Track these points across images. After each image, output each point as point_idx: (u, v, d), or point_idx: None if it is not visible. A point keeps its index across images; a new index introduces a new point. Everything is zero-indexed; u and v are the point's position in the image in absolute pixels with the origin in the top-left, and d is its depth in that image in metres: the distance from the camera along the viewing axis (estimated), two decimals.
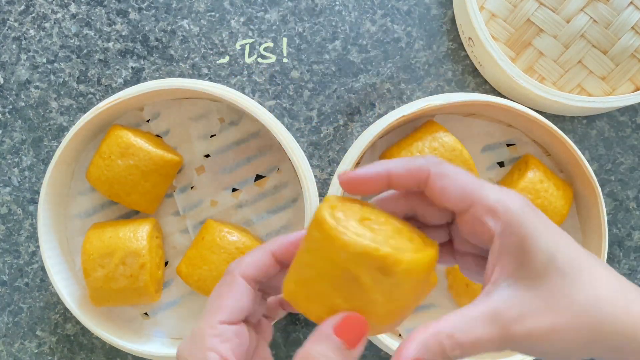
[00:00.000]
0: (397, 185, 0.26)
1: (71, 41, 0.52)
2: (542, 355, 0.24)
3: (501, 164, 0.50)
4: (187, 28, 0.52)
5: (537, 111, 0.49)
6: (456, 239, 0.29)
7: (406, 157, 0.26)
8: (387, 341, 0.44)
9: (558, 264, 0.24)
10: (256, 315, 0.30)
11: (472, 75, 0.52)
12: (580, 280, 0.24)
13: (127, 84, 0.52)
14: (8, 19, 0.52)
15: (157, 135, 0.50)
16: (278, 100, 0.52)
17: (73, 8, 0.52)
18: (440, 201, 0.26)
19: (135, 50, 0.52)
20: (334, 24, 0.52)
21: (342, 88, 0.52)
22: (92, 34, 0.52)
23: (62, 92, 0.52)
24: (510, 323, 0.24)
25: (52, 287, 0.51)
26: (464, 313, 0.24)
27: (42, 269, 0.51)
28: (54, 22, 0.52)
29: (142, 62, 0.52)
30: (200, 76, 0.52)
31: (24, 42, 0.52)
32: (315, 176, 0.51)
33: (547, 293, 0.24)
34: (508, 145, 0.50)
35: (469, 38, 0.50)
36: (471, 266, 0.29)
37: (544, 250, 0.24)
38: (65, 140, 0.45)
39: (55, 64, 0.52)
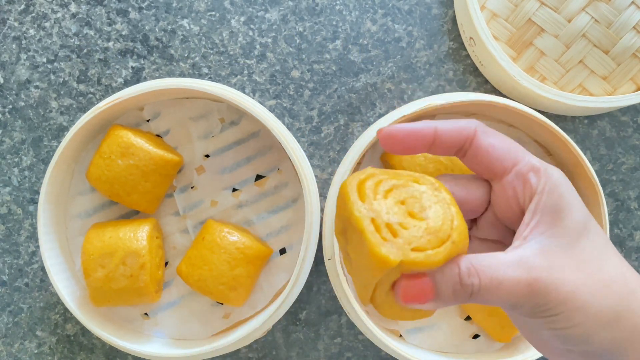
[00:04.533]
0: (441, 144, 0.26)
1: (71, 41, 0.52)
2: (562, 322, 0.23)
3: None
4: (188, 27, 0.52)
5: (538, 111, 0.49)
6: (481, 222, 0.29)
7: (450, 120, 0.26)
8: (387, 341, 0.44)
9: (592, 231, 0.24)
10: None
11: (473, 75, 0.52)
12: (610, 252, 0.24)
13: (127, 83, 0.52)
14: (8, 19, 0.52)
15: (158, 135, 0.50)
16: (278, 100, 0.52)
17: (73, 7, 0.52)
18: (487, 159, 0.26)
19: (136, 49, 0.52)
20: (334, 23, 0.52)
21: (343, 88, 0.52)
22: (92, 33, 0.52)
23: (62, 92, 0.52)
24: (539, 269, 0.23)
25: (52, 287, 0.51)
26: (492, 255, 0.23)
27: (42, 269, 0.51)
28: (54, 22, 0.52)
29: (142, 62, 0.52)
30: (200, 76, 0.51)
31: (23, 41, 0.52)
32: (315, 176, 0.51)
33: (579, 255, 0.24)
34: None
35: (470, 37, 0.49)
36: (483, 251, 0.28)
37: (581, 213, 0.24)
38: (65, 140, 0.45)
39: (55, 64, 0.52)
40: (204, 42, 0.52)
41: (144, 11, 0.52)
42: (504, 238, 0.28)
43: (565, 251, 0.24)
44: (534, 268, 0.23)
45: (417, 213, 0.24)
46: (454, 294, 0.23)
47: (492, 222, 0.28)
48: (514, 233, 0.27)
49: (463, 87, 0.52)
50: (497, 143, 0.26)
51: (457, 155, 0.27)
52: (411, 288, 0.23)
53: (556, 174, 0.25)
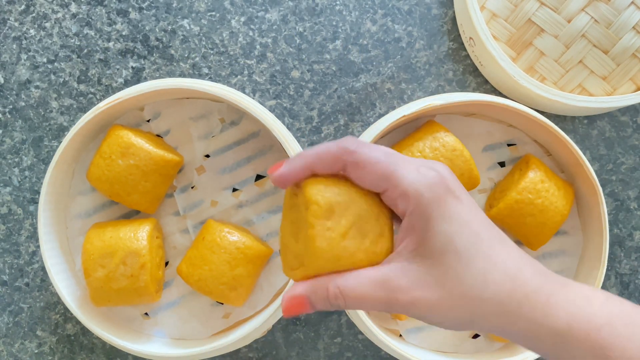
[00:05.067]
0: (322, 174, 0.28)
1: (71, 41, 0.52)
2: (427, 322, 0.27)
3: (502, 164, 0.50)
4: (188, 28, 0.52)
5: (538, 111, 0.49)
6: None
7: (323, 146, 0.28)
8: (387, 341, 0.44)
9: (455, 248, 0.26)
10: None
11: (472, 75, 0.52)
12: (473, 264, 0.26)
13: (127, 83, 0.52)
14: (8, 19, 0.52)
15: (158, 135, 0.50)
16: (278, 100, 0.52)
17: (73, 8, 0.52)
18: (362, 184, 0.28)
19: (136, 50, 0.52)
20: (334, 23, 0.52)
21: (343, 88, 0.52)
22: (93, 33, 0.52)
23: (62, 92, 0.52)
24: (396, 291, 0.26)
25: (52, 287, 0.51)
26: (360, 273, 0.27)
27: (43, 269, 0.51)
28: (55, 22, 0.52)
29: (143, 62, 0.52)
30: (200, 76, 0.52)
31: (24, 41, 0.52)
32: None
33: (440, 272, 0.26)
34: (509, 145, 0.50)
35: (470, 38, 0.49)
36: None
37: (443, 233, 0.26)
38: (65, 140, 0.45)
39: (55, 64, 0.52)
40: (204, 42, 0.52)
41: (144, 11, 0.52)
42: None
43: (427, 268, 0.26)
44: (393, 289, 0.26)
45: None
46: (326, 307, 0.28)
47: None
48: None
49: (463, 87, 0.52)
50: (363, 176, 0.27)
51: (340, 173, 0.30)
52: (291, 303, 0.28)
53: (426, 190, 0.27)
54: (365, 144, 0.28)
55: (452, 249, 0.26)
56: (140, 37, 0.52)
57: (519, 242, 0.49)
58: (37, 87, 0.52)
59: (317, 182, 0.28)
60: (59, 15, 0.52)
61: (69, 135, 0.45)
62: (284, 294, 0.28)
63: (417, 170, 0.27)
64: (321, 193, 0.27)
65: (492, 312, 0.26)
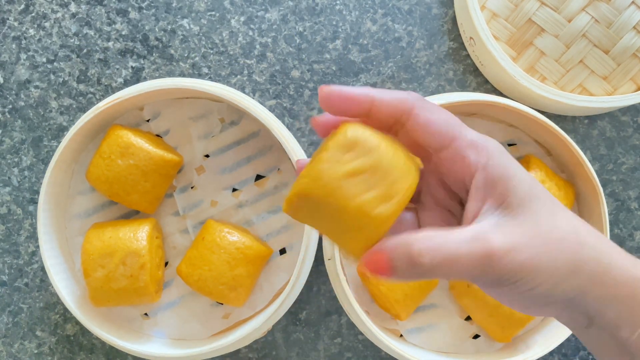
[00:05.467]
0: (378, 114, 0.26)
1: (71, 41, 0.52)
2: (525, 286, 0.24)
3: None
4: (187, 27, 0.52)
5: (538, 111, 0.49)
6: (426, 188, 0.29)
7: (389, 90, 0.26)
8: (387, 341, 0.44)
9: (538, 194, 0.25)
10: None
11: (473, 75, 0.52)
12: (558, 208, 0.25)
13: (127, 83, 0.52)
14: (8, 19, 0.52)
15: (157, 135, 0.49)
16: (278, 100, 0.52)
17: (73, 7, 0.52)
18: (423, 134, 0.25)
19: (135, 49, 0.52)
20: (334, 23, 0.52)
21: None
22: (92, 33, 0.52)
23: (62, 92, 0.52)
24: (493, 243, 0.23)
25: (52, 287, 0.51)
26: (448, 231, 0.24)
27: (42, 269, 0.51)
28: (54, 22, 0.52)
29: (142, 62, 0.52)
30: (200, 76, 0.51)
31: (23, 41, 0.52)
32: None
33: (530, 220, 0.24)
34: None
35: (470, 37, 0.49)
36: (437, 221, 0.28)
37: (525, 180, 0.25)
38: (65, 140, 0.45)
39: (55, 64, 0.52)
40: (204, 42, 0.52)
41: (144, 11, 0.52)
42: (450, 205, 0.28)
43: (516, 220, 0.24)
44: (488, 241, 0.23)
45: None
46: (409, 272, 0.24)
47: (435, 189, 0.28)
48: (461, 200, 0.28)
49: (463, 87, 0.52)
50: (434, 118, 0.25)
51: (394, 129, 0.27)
52: (372, 264, 0.24)
53: (494, 146, 0.25)
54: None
55: (536, 195, 0.24)
56: (140, 37, 0.52)
57: None
58: (36, 87, 0.52)
59: (359, 123, 0.25)
60: (59, 15, 0.52)
61: (69, 135, 0.45)
62: (363, 258, 0.25)
63: (476, 132, 0.26)
64: (354, 128, 0.25)
65: (590, 257, 0.24)
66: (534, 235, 0.24)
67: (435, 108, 0.26)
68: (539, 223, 0.24)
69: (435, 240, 0.23)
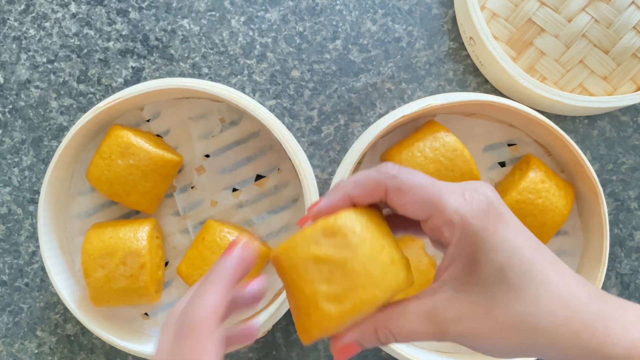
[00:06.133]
0: (361, 205, 0.27)
1: (71, 41, 0.52)
2: (478, 351, 0.26)
3: (502, 164, 0.50)
4: (188, 27, 0.52)
5: (538, 111, 0.49)
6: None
7: (362, 174, 0.27)
8: None
9: (505, 277, 0.25)
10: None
11: (473, 75, 0.52)
12: (525, 293, 0.25)
13: (127, 83, 0.52)
14: (8, 19, 0.52)
15: (157, 135, 0.50)
16: (278, 100, 0.52)
17: (73, 7, 0.52)
18: (402, 213, 0.27)
19: (136, 49, 0.52)
20: (334, 23, 0.52)
21: (343, 88, 0.52)
22: (92, 33, 0.52)
23: (62, 92, 0.52)
24: (446, 323, 0.25)
25: (52, 287, 0.51)
26: (405, 307, 0.26)
27: (42, 269, 0.51)
28: (54, 22, 0.52)
29: (142, 62, 0.52)
30: (200, 76, 0.51)
31: (24, 41, 0.52)
32: (315, 176, 0.51)
33: (490, 302, 0.25)
34: (509, 145, 0.50)
35: (470, 37, 0.49)
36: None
37: (494, 262, 0.25)
38: (65, 140, 0.45)
39: (55, 64, 0.52)
40: (204, 42, 0.52)
41: (144, 11, 0.52)
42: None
43: (477, 297, 0.25)
44: (442, 321, 0.25)
45: None
46: (377, 345, 0.27)
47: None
48: None
49: (463, 87, 0.52)
50: (406, 202, 0.26)
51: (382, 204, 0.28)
52: (342, 351, 0.27)
53: (473, 217, 0.25)
54: (406, 169, 0.27)
55: (502, 279, 0.25)
56: (140, 37, 0.52)
57: None
58: (36, 87, 0.52)
59: (356, 212, 0.26)
60: (59, 15, 0.52)
61: (69, 135, 0.45)
62: (332, 343, 0.27)
63: (462, 195, 0.26)
64: (345, 217, 0.26)
65: (546, 342, 0.25)
66: (489, 318, 0.25)
67: (410, 186, 0.26)
68: (497, 305, 0.25)
69: (395, 323, 0.26)
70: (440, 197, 0.26)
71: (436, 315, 0.25)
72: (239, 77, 0.52)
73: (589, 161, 0.51)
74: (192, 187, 0.49)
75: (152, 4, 0.52)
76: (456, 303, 0.25)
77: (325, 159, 0.51)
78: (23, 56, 0.52)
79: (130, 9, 0.52)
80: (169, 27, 0.52)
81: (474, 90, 0.52)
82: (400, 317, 0.26)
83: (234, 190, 0.49)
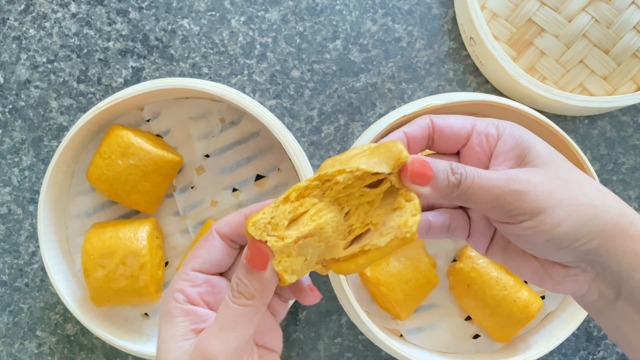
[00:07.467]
0: (414, 145, 0.30)
1: (71, 41, 0.52)
2: (547, 221, 0.26)
3: None
4: (188, 27, 0.52)
5: (538, 111, 0.49)
6: (474, 214, 0.32)
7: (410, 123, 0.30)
8: (387, 341, 0.44)
9: (557, 158, 0.28)
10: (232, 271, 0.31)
11: (473, 75, 0.52)
12: (577, 171, 0.28)
13: (127, 83, 0.52)
14: (8, 19, 0.52)
15: (158, 135, 0.50)
16: (278, 100, 0.52)
17: (73, 7, 0.52)
18: (449, 132, 0.29)
19: (136, 49, 0.52)
20: (334, 23, 0.52)
21: (343, 87, 0.51)
22: (92, 33, 0.52)
23: (62, 92, 0.52)
24: (516, 175, 0.27)
25: (52, 287, 0.51)
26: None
27: (42, 269, 0.51)
28: (54, 22, 0.52)
29: (143, 62, 0.52)
30: (200, 76, 0.51)
31: (24, 41, 0.52)
32: None
33: (553, 169, 0.27)
34: None
35: (471, 37, 0.49)
36: (482, 238, 0.31)
37: (545, 148, 0.28)
38: (65, 140, 0.45)
39: (55, 64, 0.52)
40: (204, 42, 0.52)
41: (144, 11, 0.52)
42: (497, 222, 0.31)
43: (539, 169, 0.27)
44: (512, 174, 0.27)
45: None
46: (444, 187, 0.27)
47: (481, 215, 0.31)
48: None
49: (463, 87, 0.52)
50: (452, 118, 0.30)
51: (428, 145, 0.31)
52: (417, 168, 0.27)
53: (512, 123, 0.29)
54: (439, 116, 0.30)
55: (553, 161, 0.27)
56: (140, 37, 0.52)
57: None
58: (36, 87, 0.52)
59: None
60: (59, 15, 0.52)
61: (69, 135, 0.45)
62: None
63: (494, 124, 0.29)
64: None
65: (608, 221, 0.26)
66: (555, 177, 0.27)
67: (449, 115, 0.30)
68: (559, 171, 0.27)
69: (474, 170, 0.27)
70: (474, 117, 0.30)
71: (514, 175, 0.27)
72: (239, 77, 0.52)
73: (590, 161, 0.51)
74: (192, 187, 0.49)
75: (152, 4, 0.52)
76: (525, 172, 0.27)
77: (325, 158, 0.51)
78: (23, 56, 0.52)
79: (130, 9, 0.52)
80: (169, 27, 0.52)
81: (474, 90, 0.52)
82: (478, 169, 0.27)
83: (234, 190, 0.49)
